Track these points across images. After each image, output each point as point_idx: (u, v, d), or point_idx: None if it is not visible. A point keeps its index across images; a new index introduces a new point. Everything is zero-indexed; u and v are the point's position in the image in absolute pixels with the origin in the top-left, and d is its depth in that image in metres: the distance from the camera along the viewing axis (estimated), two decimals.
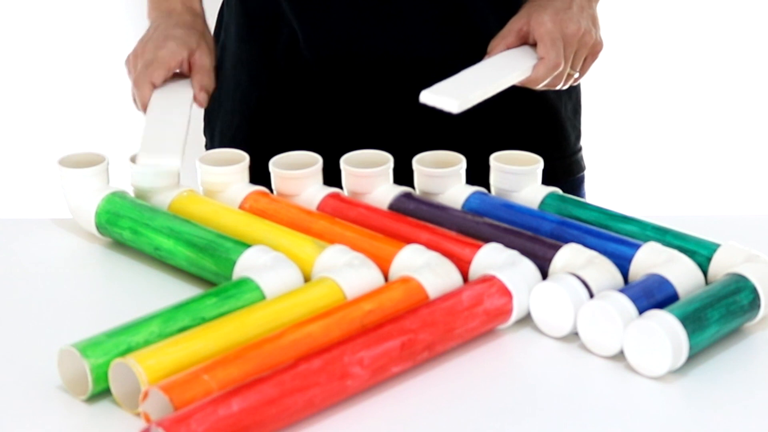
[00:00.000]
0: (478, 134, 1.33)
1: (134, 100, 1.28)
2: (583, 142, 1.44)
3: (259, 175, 1.23)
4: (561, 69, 1.20)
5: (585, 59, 1.24)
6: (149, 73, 1.24)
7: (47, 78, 2.07)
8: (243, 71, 1.38)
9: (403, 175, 1.22)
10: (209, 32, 1.35)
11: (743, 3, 2.13)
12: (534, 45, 1.22)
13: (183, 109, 1.23)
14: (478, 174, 1.22)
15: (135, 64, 1.27)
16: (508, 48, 1.23)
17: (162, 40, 1.27)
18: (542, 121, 1.37)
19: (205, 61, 1.28)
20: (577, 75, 1.24)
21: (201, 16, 1.35)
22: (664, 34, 2.15)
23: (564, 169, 1.39)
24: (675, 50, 2.15)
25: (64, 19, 2.04)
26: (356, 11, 1.30)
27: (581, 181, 1.42)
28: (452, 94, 1.12)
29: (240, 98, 1.39)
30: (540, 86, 1.21)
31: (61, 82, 2.08)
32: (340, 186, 1.21)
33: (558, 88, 1.24)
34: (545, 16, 1.21)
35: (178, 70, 1.28)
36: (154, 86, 1.24)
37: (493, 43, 1.24)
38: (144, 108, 1.24)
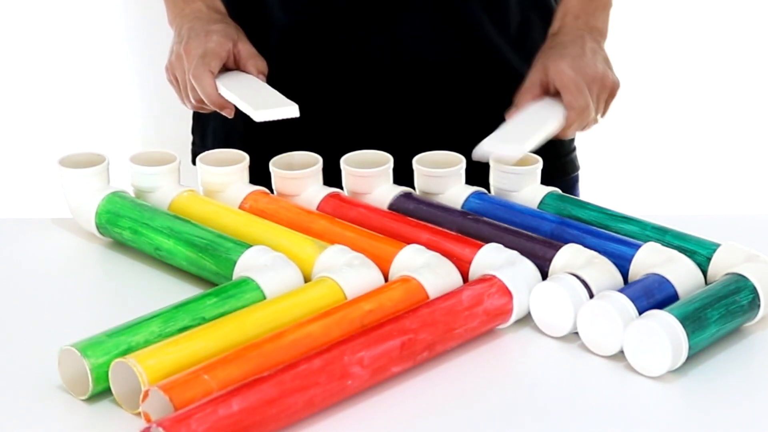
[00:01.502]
0: (477, 134, 1.33)
1: (187, 100, 1.26)
2: (578, 141, 1.44)
3: (259, 175, 1.23)
4: (590, 112, 1.21)
5: (606, 101, 1.24)
6: (206, 63, 1.22)
7: (47, 78, 2.07)
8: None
9: (403, 175, 1.22)
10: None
11: (741, 2, 2.13)
12: (555, 94, 1.22)
13: (256, 81, 1.23)
14: (478, 174, 1.22)
15: (182, 65, 1.25)
16: (534, 99, 1.23)
17: (205, 36, 1.26)
18: None
19: (250, 48, 1.27)
20: (600, 117, 1.24)
21: (225, 14, 1.34)
22: (661, 33, 2.15)
23: (558, 169, 1.39)
24: (672, 49, 2.15)
25: (64, 19, 2.05)
26: (346, 11, 1.30)
27: (575, 180, 1.43)
28: (510, 142, 1.14)
29: None
30: (571, 133, 1.22)
31: (61, 82, 2.08)
32: (340, 186, 1.21)
33: (585, 131, 1.24)
34: (564, 65, 1.21)
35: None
36: (213, 75, 1.23)
37: (519, 97, 1.23)
38: (209, 96, 1.22)
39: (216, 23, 1.28)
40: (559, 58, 1.22)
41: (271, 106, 1.16)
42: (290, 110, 1.16)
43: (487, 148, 1.14)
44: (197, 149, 1.43)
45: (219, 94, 1.21)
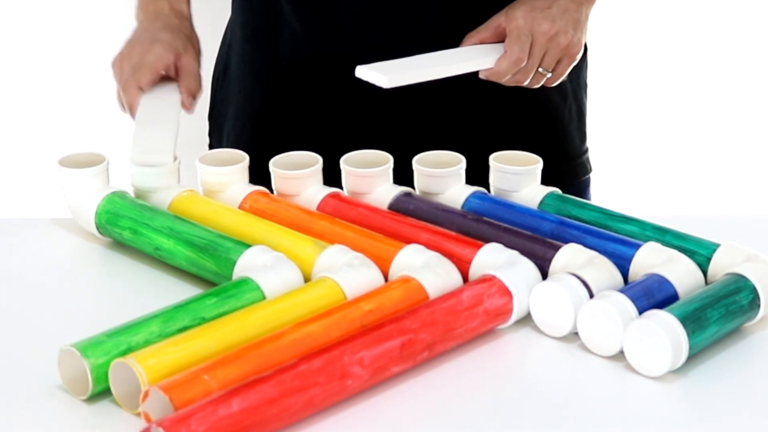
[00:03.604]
0: (478, 135, 1.33)
1: (120, 104, 1.29)
2: (590, 143, 1.43)
3: (263, 175, 1.23)
4: (524, 65, 1.20)
5: (560, 61, 1.23)
6: (137, 77, 1.25)
7: (47, 78, 2.07)
8: (247, 71, 1.38)
9: (403, 175, 1.22)
10: (196, 35, 1.35)
11: (745, 6, 2.13)
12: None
13: (172, 111, 1.25)
14: (478, 174, 1.22)
15: (122, 68, 1.27)
16: (482, 42, 1.23)
17: (149, 44, 1.27)
18: (543, 124, 1.37)
19: (192, 65, 1.28)
20: (549, 75, 1.24)
21: (188, 18, 1.35)
22: (667, 36, 2.15)
23: (569, 172, 1.39)
24: (678, 52, 2.15)
25: (63, 19, 2.05)
26: (356, 12, 1.30)
27: (587, 183, 1.42)
28: (386, 72, 1.15)
29: (244, 98, 1.39)
30: (504, 80, 1.22)
31: (61, 82, 2.08)
32: (340, 186, 1.21)
33: (525, 85, 1.24)
34: (518, 12, 1.22)
35: (164, 73, 1.29)
36: (142, 90, 1.25)
37: (467, 36, 1.24)
38: (131, 111, 1.25)
39: (167, 31, 1.30)
40: (519, 5, 1.23)
41: (150, 150, 1.19)
42: (164, 159, 1.18)
43: (359, 72, 1.17)
44: None
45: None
